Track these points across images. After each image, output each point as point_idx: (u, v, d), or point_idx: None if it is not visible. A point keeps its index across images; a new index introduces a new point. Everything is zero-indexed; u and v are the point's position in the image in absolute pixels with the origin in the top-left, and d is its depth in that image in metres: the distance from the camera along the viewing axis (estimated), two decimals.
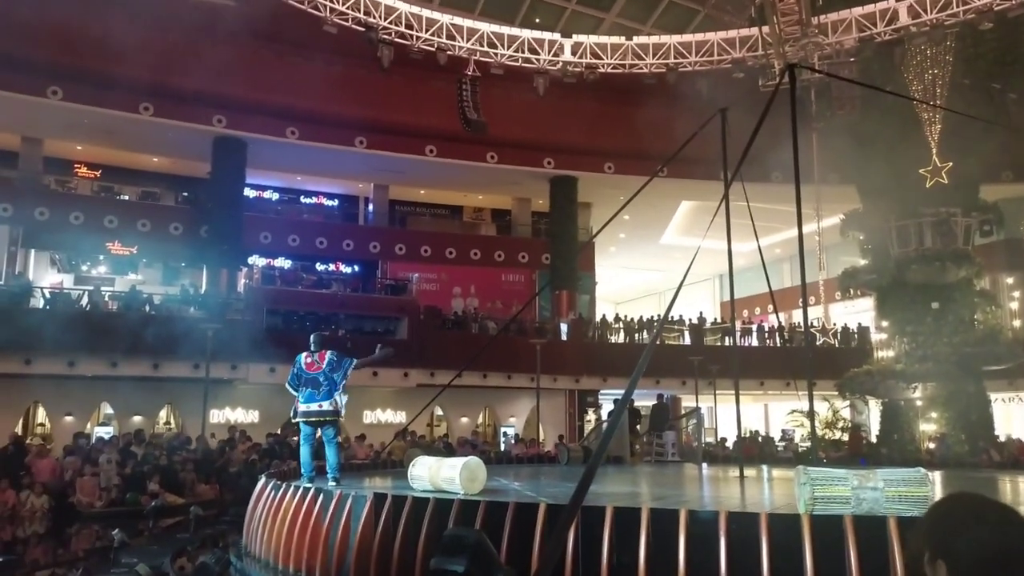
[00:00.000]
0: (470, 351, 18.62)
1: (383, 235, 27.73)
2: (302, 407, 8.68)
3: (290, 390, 8.88)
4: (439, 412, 25.03)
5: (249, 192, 26.25)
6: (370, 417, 23.93)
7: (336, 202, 29.73)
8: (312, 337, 8.98)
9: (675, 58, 19.95)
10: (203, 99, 22.68)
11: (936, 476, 8.88)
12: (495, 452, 19.08)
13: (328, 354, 8.70)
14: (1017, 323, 24.95)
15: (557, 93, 20.68)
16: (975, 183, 21.98)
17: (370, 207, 29.03)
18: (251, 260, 25.58)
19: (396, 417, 23.98)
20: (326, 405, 8.58)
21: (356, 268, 27.87)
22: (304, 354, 8.83)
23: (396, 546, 6.58)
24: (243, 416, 22.51)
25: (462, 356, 17.52)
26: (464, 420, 25.46)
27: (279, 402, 22.35)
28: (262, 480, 9.44)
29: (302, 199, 29.20)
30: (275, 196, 28.68)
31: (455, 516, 6.40)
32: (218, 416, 21.95)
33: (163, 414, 22.62)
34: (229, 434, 19.25)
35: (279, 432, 19.36)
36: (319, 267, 27.16)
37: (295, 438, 18.51)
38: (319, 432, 8.92)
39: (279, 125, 23.86)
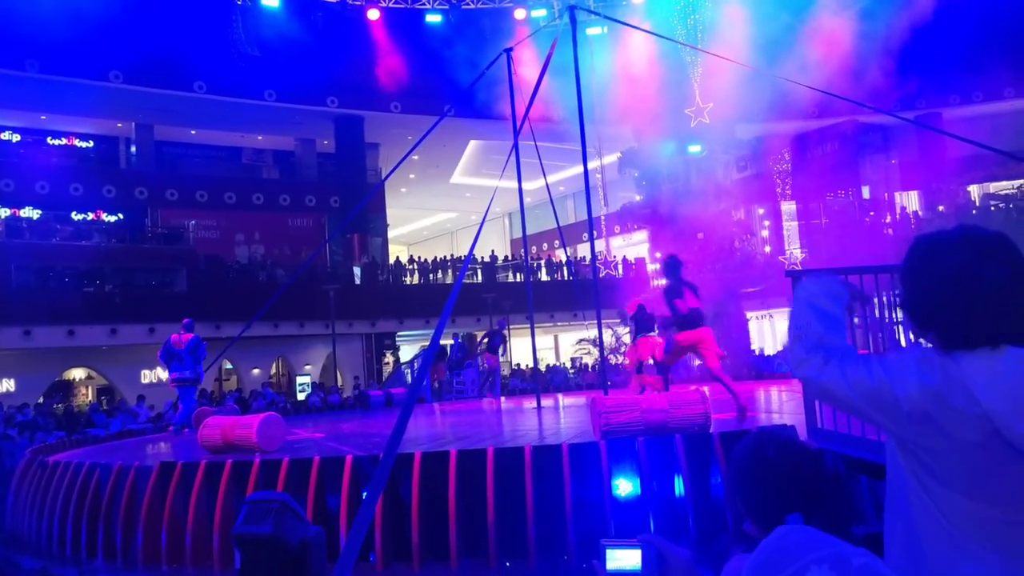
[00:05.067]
0: (258, 301, 17.68)
1: (150, 180, 25.29)
2: (174, 375, 10.94)
3: (161, 363, 11.22)
4: (228, 366, 23.77)
5: None
6: (149, 376, 22.18)
7: (91, 143, 26.58)
8: (185, 322, 11.22)
9: None
10: None
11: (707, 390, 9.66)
12: (292, 403, 18.49)
13: (192, 336, 10.98)
14: (768, 249, 27.94)
15: (340, 30, 19.76)
16: (732, 123, 24.01)
17: (132, 149, 26.33)
18: None
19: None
20: (187, 374, 10.91)
21: (121, 216, 25.25)
22: (174, 334, 11.06)
23: (189, 517, 6.15)
24: None
25: (250, 306, 16.56)
26: (256, 372, 24.34)
27: (38, 367, 20.15)
28: (27, 455, 8.53)
29: (49, 140, 25.80)
30: (16, 138, 25.13)
31: (255, 479, 6.08)
32: None
33: None
34: None
35: (41, 401, 17.42)
36: (76, 217, 24.31)
37: (60, 405, 17.11)
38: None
39: (15, 57, 20.78)
